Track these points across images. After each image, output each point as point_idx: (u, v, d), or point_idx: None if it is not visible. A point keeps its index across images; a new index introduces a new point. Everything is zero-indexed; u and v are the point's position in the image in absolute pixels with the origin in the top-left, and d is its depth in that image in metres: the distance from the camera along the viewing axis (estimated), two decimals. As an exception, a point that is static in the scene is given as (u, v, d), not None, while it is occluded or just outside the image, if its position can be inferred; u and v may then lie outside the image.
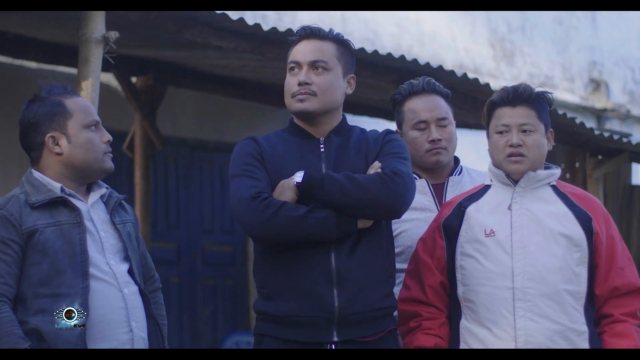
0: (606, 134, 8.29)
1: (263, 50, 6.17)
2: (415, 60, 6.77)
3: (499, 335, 3.52)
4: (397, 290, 3.82)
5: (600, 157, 8.43)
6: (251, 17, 7.37)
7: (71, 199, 3.44)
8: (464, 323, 3.61)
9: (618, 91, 12.99)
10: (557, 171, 3.70)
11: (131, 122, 7.94)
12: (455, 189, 3.95)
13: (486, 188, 3.71)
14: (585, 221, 3.59)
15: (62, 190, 3.44)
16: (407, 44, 10.58)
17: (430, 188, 3.99)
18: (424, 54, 10.30)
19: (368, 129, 3.75)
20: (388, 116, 9.08)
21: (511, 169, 3.63)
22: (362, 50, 6.41)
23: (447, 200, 3.87)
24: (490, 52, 11.58)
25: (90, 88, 4.86)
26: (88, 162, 3.47)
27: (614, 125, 12.63)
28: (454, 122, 4.03)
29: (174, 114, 8.51)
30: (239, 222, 3.52)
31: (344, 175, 3.45)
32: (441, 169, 4.01)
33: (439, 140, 3.95)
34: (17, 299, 3.34)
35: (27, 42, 7.34)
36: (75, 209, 3.42)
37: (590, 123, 11.28)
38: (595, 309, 3.60)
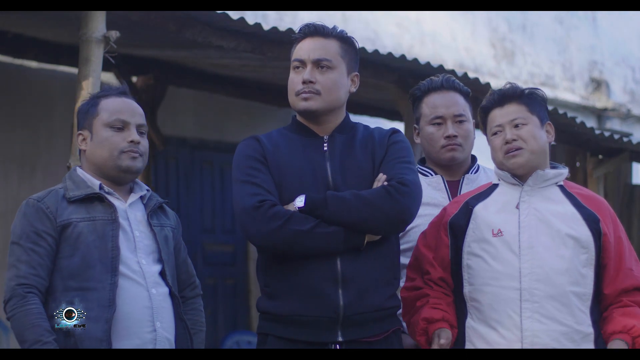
0: (607, 134, 8.29)
1: (263, 49, 6.17)
2: (415, 60, 6.77)
3: (505, 335, 3.51)
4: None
5: (600, 156, 8.44)
6: (252, 16, 7.37)
7: (108, 196, 3.49)
8: (469, 322, 3.61)
9: (618, 91, 12.99)
10: (564, 171, 3.70)
11: (131, 122, 7.93)
12: (470, 187, 3.93)
13: (494, 187, 3.71)
14: (592, 222, 3.58)
15: (100, 187, 3.49)
16: (408, 43, 10.58)
17: (445, 185, 3.97)
18: (425, 53, 10.30)
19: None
20: (389, 116, 9.08)
21: (511, 164, 3.63)
22: (362, 49, 6.40)
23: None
24: (490, 51, 11.58)
25: (90, 87, 4.86)
26: (104, 160, 3.50)
27: (614, 124, 12.63)
28: (471, 120, 4.01)
29: (175, 113, 8.51)
30: (243, 232, 3.49)
31: (350, 193, 3.43)
32: (457, 166, 4.00)
33: (455, 136, 3.93)
34: (49, 291, 3.38)
35: (27, 41, 7.35)
36: (111, 206, 3.46)
37: (590, 123, 11.28)
38: (604, 307, 3.60)
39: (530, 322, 3.50)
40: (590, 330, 3.54)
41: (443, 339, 3.52)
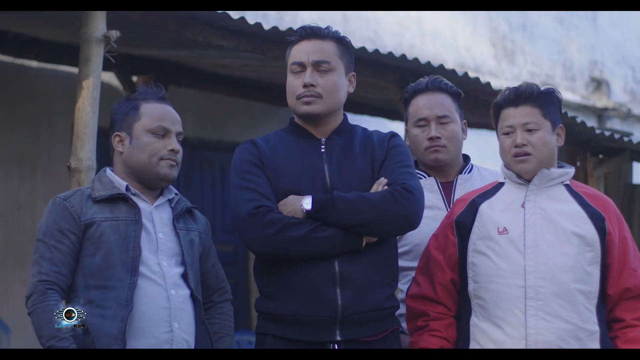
0: (607, 133, 8.29)
1: (264, 49, 6.17)
2: (416, 60, 6.76)
3: (510, 333, 3.51)
4: (404, 288, 3.82)
5: (601, 156, 8.44)
6: (252, 16, 7.37)
7: (134, 197, 3.51)
8: (474, 320, 3.60)
9: (619, 90, 12.98)
10: (570, 170, 3.69)
11: (132, 122, 7.93)
12: (464, 187, 3.93)
13: (500, 185, 3.70)
14: (598, 221, 3.58)
15: (127, 189, 3.51)
16: (408, 43, 10.58)
17: (439, 186, 3.97)
18: (425, 53, 10.30)
19: (369, 129, 3.73)
20: (389, 115, 9.08)
21: (518, 169, 3.62)
22: (363, 49, 6.41)
23: (457, 198, 3.86)
24: (491, 51, 11.57)
25: (91, 87, 4.86)
26: (142, 165, 3.53)
27: (614, 124, 12.62)
28: (458, 121, 3.99)
29: (175, 113, 8.51)
30: (240, 238, 3.50)
31: (356, 195, 3.43)
32: (449, 168, 3.99)
33: (438, 138, 3.92)
34: (70, 289, 3.44)
35: (28, 41, 7.35)
36: (135, 207, 3.49)
37: (591, 122, 11.28)
38: (607, 310, 3.59)
39: (535, 319, 3.50)
40: (595, 328, 3.53)
41: None
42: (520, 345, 3.49)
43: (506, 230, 3.57)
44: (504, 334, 3.53)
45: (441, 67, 6.84)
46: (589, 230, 3.56)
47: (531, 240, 3.55)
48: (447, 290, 3.64)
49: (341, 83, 3.58)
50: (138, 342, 3.38)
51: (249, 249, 3.55)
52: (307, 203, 3.42)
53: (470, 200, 3.67)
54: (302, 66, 3.55)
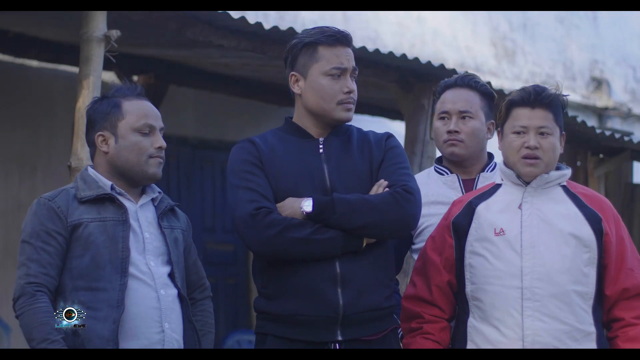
0: (607, 133, 8.29)
1: (264, 49, 6.17)
2: (416, 59, 6.76)
3: (507, 334, 3.51)
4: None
5: (601, 155, 8.44)
6: (253, 16, 7.37)
7: (120, 197, 3.48)
8: (471, 321, 3.60)
9: (619, 90, 12.98)
10: (567, 172, 3.68)
11: (132, 121, 7.93)
12: None
13: (497, 187, 3.69)
14: (595, 222, 3.57)
15: (112, 188, 3.48)
16: (409, 42, 10.58)
17: (460, 183, 3.96)
18: (426, 52, 10.30)
19: (368, 128, 3.74)
20: (390, 115, 9.08)
21: (525, 171, 3.60)
22: (363, 49, 6.41)
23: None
24: (491, 50, 11.57)
25: (91, 87, 4.87)
26: (130, 164, 3.49)
27: (615, 124, 12.62)
28: (482, 119, 3.97)
29: (176, 112, 8.51)
30: (240, 238, 3.49)
31: (357, 197, 3.43)
32: (470, 164, 3.98)
33: (456, 132, 3.93)
34: (58, 290, 3.40)
35: (28, 41, 7.35)
36: (122, 207, 3.46)
37: (591, 122, 11.28)
38: (605, 310, 3.59)
39: (532, 320, 3.50)
40: (592, 329, 3.53)
41: None
42: (517, 346, 3.49)
43: (503, 231, 3.57)
44: (501, 334, 3.52)
45: (442, 66, 6.84)
46: (586, 232, 3.56)
47: (528, 241, 3.55)
48: (444, 292, 3.64)
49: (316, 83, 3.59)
50: (130, 343, 3.36)
51: (249, 250, 3.54)
52: (307, 205, 3.41)
53: (468, 202, 3.67)
54: (343, 71, 3.56)
